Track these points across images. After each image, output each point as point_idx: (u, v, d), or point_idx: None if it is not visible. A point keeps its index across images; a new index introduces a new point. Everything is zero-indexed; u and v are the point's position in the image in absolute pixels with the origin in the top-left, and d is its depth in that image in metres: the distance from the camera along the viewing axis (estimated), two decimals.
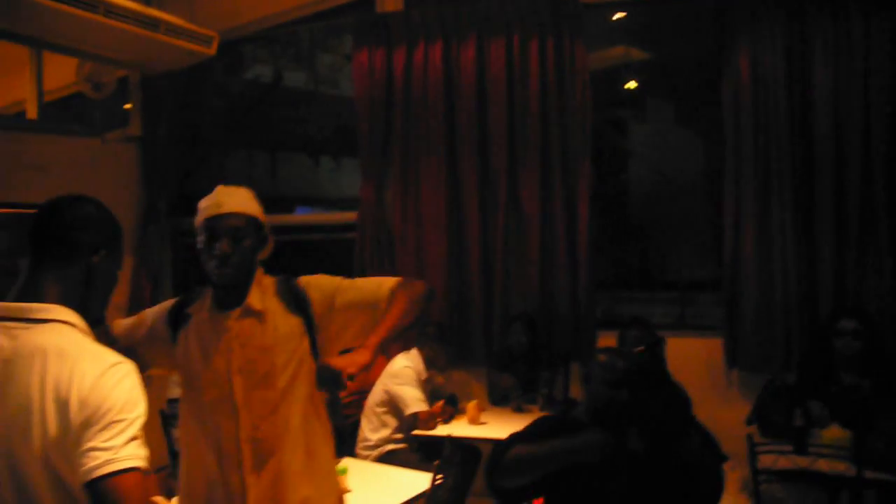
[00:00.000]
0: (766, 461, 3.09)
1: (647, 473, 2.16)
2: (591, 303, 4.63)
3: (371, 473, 3.33)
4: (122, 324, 2.09)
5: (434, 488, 3.04)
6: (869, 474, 2.88)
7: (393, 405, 4.08)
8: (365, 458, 4.02)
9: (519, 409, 4.24)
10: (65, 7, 3.86)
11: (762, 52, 4.25)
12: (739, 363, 4.37)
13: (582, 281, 4.60)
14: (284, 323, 1.96)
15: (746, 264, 4.32)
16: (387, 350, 1.97)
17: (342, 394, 4.01)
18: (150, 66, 4.80)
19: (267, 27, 5.48)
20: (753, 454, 3.12)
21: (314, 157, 6.39)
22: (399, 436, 4.09)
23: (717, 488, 2.23)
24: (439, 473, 3.14)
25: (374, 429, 4.09)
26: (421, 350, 4.24)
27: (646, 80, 6.43)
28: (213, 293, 1.99)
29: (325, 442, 2.04)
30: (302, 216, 5.86)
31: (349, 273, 4.88)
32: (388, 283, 2.02)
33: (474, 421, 4.04)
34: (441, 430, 3.91)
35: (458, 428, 3.95)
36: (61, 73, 4.86)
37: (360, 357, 1.84)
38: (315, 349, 2.00)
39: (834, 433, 3.16)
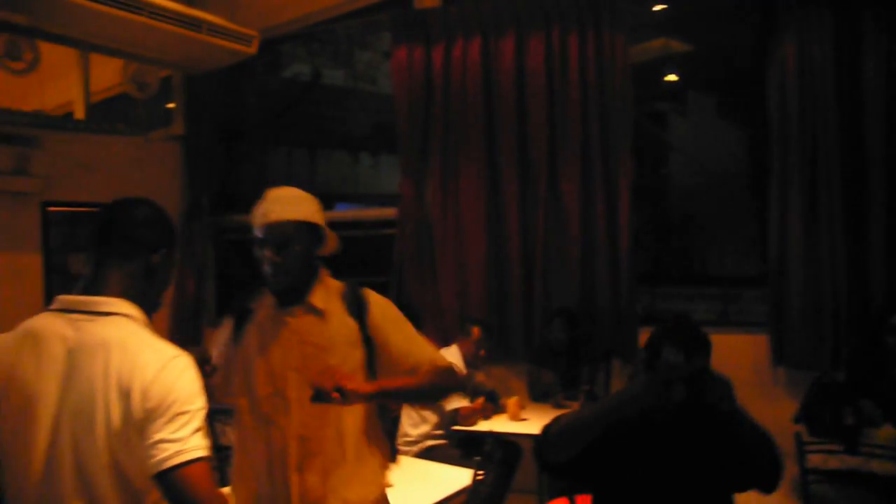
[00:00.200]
0: (815, 461, 3.03)
1: (689, 425, 2.15)
2: (632, 298, 4.57)
3: (412, 469, 3.34)
4: (215, 356, 2.12)
5: (475, 484, 3.04)
6: None
7: None
8: (405, 453, 4.03)
9: (560, 406, 4.21)
10: (111, 9, 3.95)
11: (809, 41, 4.14)
12: (786, 360, 4.27)
13: (623, 276, 4.55)
14: (343, 325, 1.97)
15: (793, 259, 4.22)
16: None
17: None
18: (192, 66, 4.88)
19: (306, 25, 5.52)
20: (802, 453, 3.06)
21: (353, 154, 6.43)
22: (439, 432, 4.09)
23: (773, 458, 2.19)
24: (480, 469, 3.13)
25: (414, 424, 4.10)
26: (461, 346, 4.24)
27: (686, 72, 6.34)
28: None
29: (373, 451, 2.03)
30: (341, 212, 5.90)
31: (388, 268, 4.93)
32: (438, 360, 2.05)
33: (515, 417, 4.03)
34: (482, 426, 3.91)
35: (499, 424, 3.93)
36: (107, 75, 4.97)
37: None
38: (371, 363, 1.99)
39: (887, 433, 3.07)
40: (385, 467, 2.10)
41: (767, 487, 2.13)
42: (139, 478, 1.38)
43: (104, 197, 5.07)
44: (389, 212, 5.04)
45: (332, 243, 2.06)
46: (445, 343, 4.27)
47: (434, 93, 4.88)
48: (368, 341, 1.98)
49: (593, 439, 2.18)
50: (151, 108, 5.46)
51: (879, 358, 3.46)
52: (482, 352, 4.21)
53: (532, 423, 3.96)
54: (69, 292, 1.49)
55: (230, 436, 2.12)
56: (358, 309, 1.98)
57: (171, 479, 1.33)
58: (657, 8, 5.36)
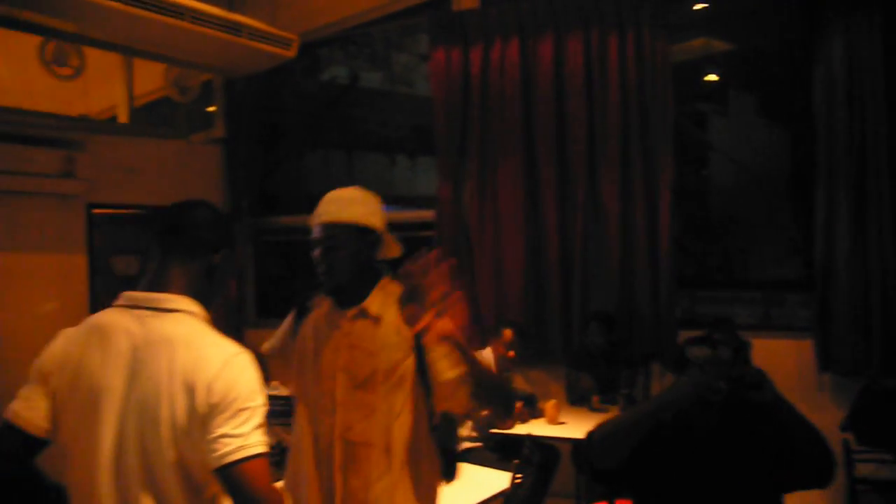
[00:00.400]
0: (863, 470, 2.95)
1: (734, 423, 2.12)
2: (672, 302, 4.51)
3: None
4: (267, 347, 2.18)
5: (514, 487, 3.02)
6: None
7: None
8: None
9: (598, 409, 4.17)
10: (154, 15, 4.01)
11: (858, 40, 4.04)
12: (832, 366, 4.17)
13: (663, 279, 4.49)
14: (395, 333, 1.96)
15: (840, 262, 4.12)
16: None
17: None
18: (233, 70, 4.94)
19: (343, 28, 5.55)
20: (850, 462, 2.98)
21: (390, 156, 6.45)
22: (475, 434, 4.08)
23: (823, 449, 2.14)
24: (519, 473, 3.11)
25: None
26: (493, 348, 4.22)
27: (727, 71, 6.23)
28: None
29: (423, 466, 2.00)
30: None
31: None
32: (461, 390, 1.98)
33: (553, 420, 4.00)
34: (520, 430, 3.89)
35: (537, 427, 3.91)
36: (149, 79, 5.05)
37: (450, 329, 1.84)
38: (424, 373, 1.97)
39: None
40: (436, 484, 2.06)
41: (821, 482, 2.07)
42: (201, 472, 1.41)
43: (147, 199, 5.18)
44: (426, 214, 5.04)
45: (393, 247, 2.06)
46: (482, 345, 4.26)
47: (472, 94, 4.87)
48: (421, 350, 1.95)
49: (638, 444, 2.16)
50: (192, 112, 5.55)
51: None
52: (510, 353, 4.18)
53: (570, 427, 3.93)
54: (133, 289, 1.53)
55: (283, 436, 2.14)
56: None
57: (231, 474, 1.36)
58: (698, 7, 5.27)
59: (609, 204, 4.56)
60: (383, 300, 1.99)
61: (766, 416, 2.16)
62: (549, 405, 4.04)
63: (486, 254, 4.82)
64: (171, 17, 4.08)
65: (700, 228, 6.14)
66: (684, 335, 4.31)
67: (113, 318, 1.49)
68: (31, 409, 1.48)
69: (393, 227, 2.08)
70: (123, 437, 1.41)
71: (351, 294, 1.99)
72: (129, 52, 4.73)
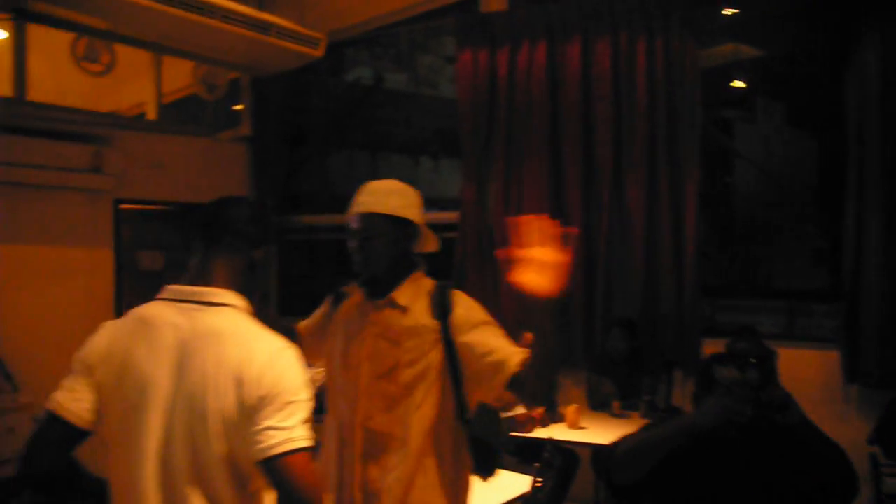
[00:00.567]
0: (892, 485, 2.90)
1: (757, 442, 2.11)
2: (696, 309, 4.46)
3: None
4: (304, 325, 2.21)
5: (534, 491, 3.00)
6: None
7: None
8: None
9: (619, 415, 4.15)
10: (184, 13, 4.06)
11: (893, 47, 3.98)
12: (859, 378, 4.10)
13: (687, 286, 4.44)
14: (422, 325, 1.96)
15: (869, 273, 4.05)
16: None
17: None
18: (260, 69, 4.98)
19: (371, 29, 5.57)
20: (878, 476, 2.93)
21: (414, 158, 6.46)
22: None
23: (846, 469, 2.13)
24: (539, 476, 3.10)
25: None
26: None
27: (755, 78, 6.18)
28: None
29: (448, 460, 1.98)
30: None
31: (448, 271, 4.92)
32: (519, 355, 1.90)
33: (573, 425, 3.98)
34: (539, 433, 3.87)
35: (557, 431, 3.89)
36: (178, 77, 5.10)
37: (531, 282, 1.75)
38: (454, 366, 1.95)
39: None
40: (464, 479, 2.04)
41: (845, 501, 2.06)
42: (247, 465, 1.42)
43: (173, 195, 5.23)
44: (449, 215, 5.03)
45: (430, 241, 2.08)
46: None
47: (498, 97, 4.85)
48: (450, 344, 1.94)
49: (660, 461, 2.15)
50: (219, 110, 5.59)
51: None
52: None
53: (590, 433, 3.91)
54: (177, 282, 1.54)
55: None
56: (441, 310, 1.95)
57: (275, 466, 1.36)
58: (727, 12, 5.22)
59: (634, 209, 4.53)
60: (414, 292, 2.00)
61: (792, 438, 2.14)
62: (570, 410, 4.02)
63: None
64: (202, 15, 4.12)
65: (724, 236, 6.08)
66: (708, 344, 4.32)
67: (159, 311, 1.50)
68: (75, 401, 1.48)
69: None
70: (170, 430, 1.42)
71: (384, 285, 2.00)
72: (159, 49, 4.78)
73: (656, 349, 4.50)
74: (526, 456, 3.93)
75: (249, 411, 1.39)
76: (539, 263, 1.74)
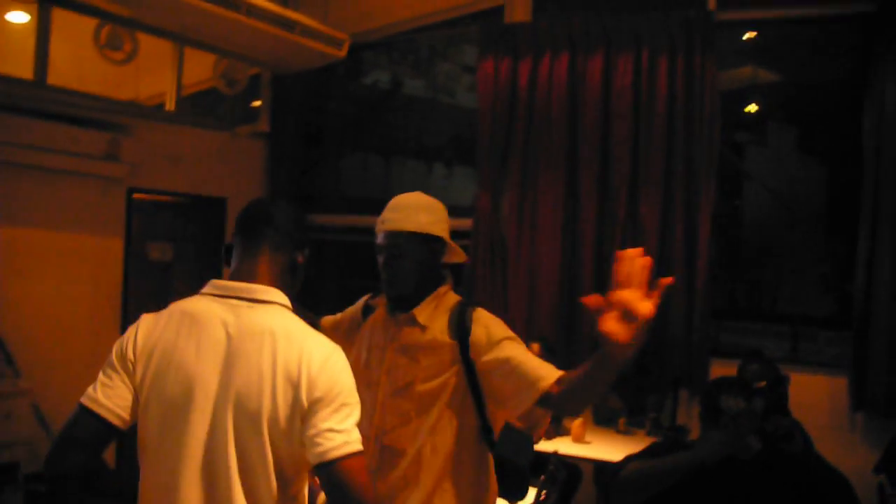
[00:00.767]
0: None
1: (763, 471, 2.11)
2: (705, 329, 4.45)
3: None
4: (328, 319, 2.21)
5: None
6: None
7: None
8: None
9: (624, 432, 4.13)
10: (209, 6, 4.05)
11: None
12: (866, 406, 4.10)
13: (698, 305, 4.44)
14: (440, 342, 1.93)
15: (880, 301, 4.06)
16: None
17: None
18: (282, 66, 4.98)
19: (392, 33, 5.58)
20: None
21: (427, 164, 6.45)
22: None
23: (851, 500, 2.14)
24: (544, 489, 3.08)
25: None
26: None
27: (770, 102, 6.18)
28: None
29: (465, 483, 1.94)
30: None
31: (458, 279, 4.91)
32: (557, 372, 1.83)
33: (578, 439, 3.97)
34: (545, 446, 3.85)
35: (562, 445, 3.88)
36: (199, 69, 5.09)
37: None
38: (474, 385, 1.92)
39: None
40: (484, 501, 1.99)
41: None
42: (291, 466, 1.39)
43: (187, 188, 5.22)
44: (461, 223, 5.02)
45: (457, 253, 2.05)
46: None
47: (517, 107, 4.86)
48: (469, 364, 1.90)
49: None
50: (238, 105, 5.58)
51: None
52: None
53: (594, 448, 3.90)
54: (220, 278, 1.52)
55: None
56: (460, 330, 1.91)
57: (334, 470, 1.34)
58: (747, 36, 5.24)
59: (648, 226, 4.53)
60: (433, 309, 1.97)
61: (796, 467, 2.15)
62: (576, 424, 4.01)
63: (521, 266, 4.80)
64: (227, 8, 4.11)
65: (730, 258, 6.07)
66: (714, 365, 4.31)
67: (205, 306, 1.47)
68: (112, 397, 1.43)
69: None
70: (216, 428, 1.38)
71: (410, 301, 1.98)
72: (182, 40, 4.77)
73: (664, 367, 4.49)
74: (531, 468, 3.92)
75: (304, 413, 1.36)
76: (629, 311, 1.50)
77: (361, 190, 6.31)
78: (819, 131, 6.33)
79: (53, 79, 4.34)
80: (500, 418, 1.99)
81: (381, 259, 1.96)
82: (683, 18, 4.49)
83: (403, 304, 1.98)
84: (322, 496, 1.67)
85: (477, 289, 4.82)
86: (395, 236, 1.93)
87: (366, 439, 1.90)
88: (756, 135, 7.20)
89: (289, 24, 4.37)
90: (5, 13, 4.57)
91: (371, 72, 6.63)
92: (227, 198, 5.16)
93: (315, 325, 2.08)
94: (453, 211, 2.15)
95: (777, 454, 2.22)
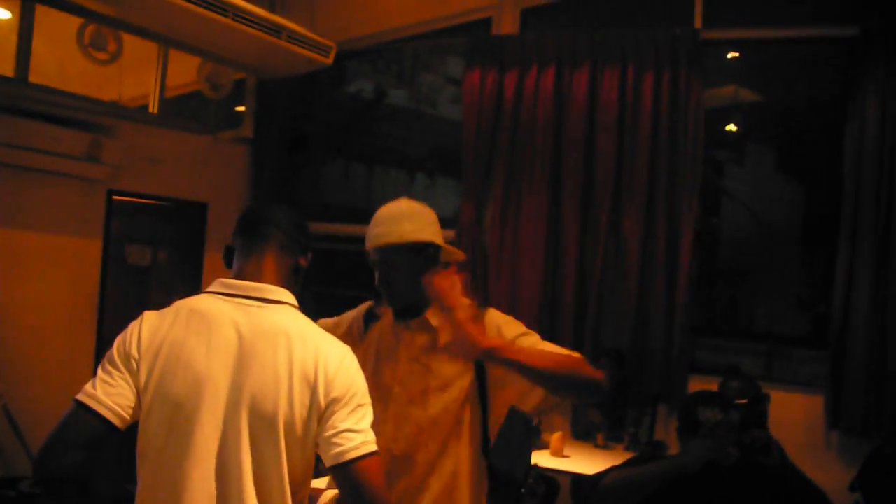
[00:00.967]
0: None
1: (740, 483, 2.13)
2: (685, 345, 4.48)
3: None
4: (324, 322, 2.13)
5: None
6: None
7: None
8: None
9: (603, 446, 4.14)
10: (196, 8, 4.02)
11: (893, 97, 4.07)
12: (842, 425, 4.14)
13: (678, 321, 4.46)
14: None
15: (857, 320, 4.10)
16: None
17: None
18: (268, 72, 4.95)
19: (380, 42, 5.57)
20: None
21: (409, 174, 6.45)
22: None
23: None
24: (523, 503, 3.06)
25: None
26: None
27: (751, 122, 6.26)
28: None
29: (464, 494, 1.90)
30: None
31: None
32: (575, 354, 1.82)
33: (557, 453, 3.96)
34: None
35: (541, 459, 3.86)
36: (183, 72, 5.05)
37: (485, 340, 1.70)
38: (483, 389, 1.90)
39: None
40: None
41: None
42: (300, 472, 1.38)
43: (168, 191, 5.16)
44: (444, 234, 5.00)
45: (455, 252, 2.03)
46: None
47: (503, 118, 4.87)
48: (481, 368, 1.88)
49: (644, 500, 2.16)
50: (221, 109, 5.54)
51: None
52: None
53: (573, 462, 3.89)
54: (199, 283, 1.49)
55: None
56: None
57: (353, 470, 1.33)
58: (731, 56, 5.32)
59: (630, 240, 4.55)
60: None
61: (773, 479, 2.17)
62: (555, 437, 4.00)
63: (502, 279, 4.80)
64: (215, 12, 4.08)
65: (708, 275, 6.13)
66: (694, 381, 4.32)
67: (214, 305, 1.43)
68: (112, 396, 1.36)
69: None
70: (228, 432, 1.34)
71: (416, 307, 1.94)
72: (167, 42, 4.73)
73: (643, 382, 4.50)
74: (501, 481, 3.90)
75: (321, 414, 1.35)
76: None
77: (343, 198, 6.29)
78: (798, 152, 6.43)
79: (35, 77, 4.28)
80: (498, 423, 1.96)
81: (376, 275, 1.93)
82: (670, 35, 4.55)
83: (411, 312, 1.95)
84: (323, 500, 1.64)
85: None
86: (384, 251, 1.90)
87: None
88: (735, 153, 7.29)
89: (276, 30, 4.35)
90: None
91: (355, 80, 6.62)
92: (209, 203, 5.11)
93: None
94: None
95: (754, 466, 2.24)
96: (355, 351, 2.02)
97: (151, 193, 4.85)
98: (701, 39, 4.55)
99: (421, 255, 1.91)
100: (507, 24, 5.11)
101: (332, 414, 1.35)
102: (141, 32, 4.57)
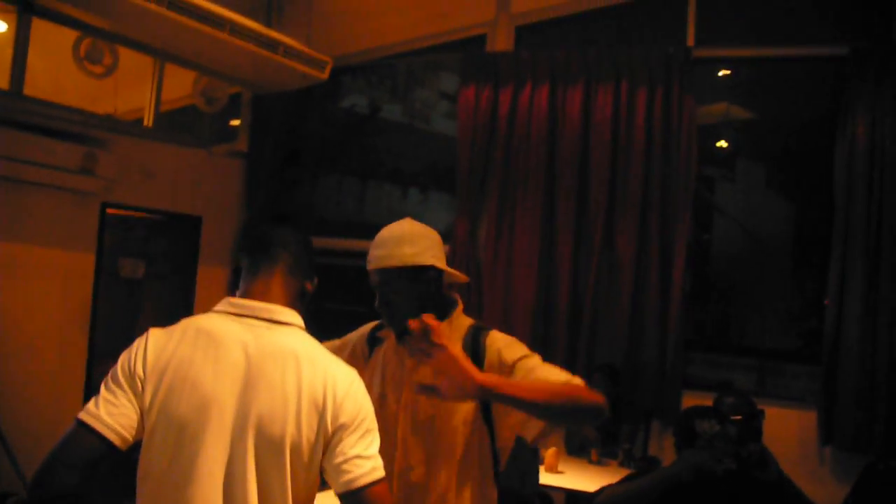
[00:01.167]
0: None
1: (739, 497, 2.13)
2: (678, 360, 4.49)
3: None
4: (328, 345, 2.08)
5: None
6: None
7: None
8: None
9: (597, 462, 4.12)
10: (193, 23, 4.03)
11: (882, 116, 4.13)
12: (834, 440, 4.15)
13: (671, 337, 4.48)
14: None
15: (849, 336, 4.13)
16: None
17: None
18: (264, 86, 4.96)
19: (375, 58, 5.60)
20: None
21: (403, 189, 6.46)
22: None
23: None
24: None
25: None
26: None
27: (742, 139, 6.32)
28: None
29: None
30: None
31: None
32: (576, 379, 1.76)
33: (551, 469, 3.94)
34: None
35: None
36: (178, 86, 5.05)
37: (477, 377, 1.60)
38: (487, 414, 1.87)
39: None
40: None
41: None
42: (303, 494, 1.36)
43: (162, 204, 5.14)
44: None
45: (457, 274, 1.99)
46: None
47: (497, 135, 4.90)
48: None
49: None
50: (216, 123, 5.54)
51: None
52: None
53: (567, 478, 3.87)
54: (233, 295, 1.48)
55: None
56: (474, 357, 1.81)
57: (363, 496, 1.31)
58: (722, 73, 5.37)
59: (624, 256, 4.58)
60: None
61: (769, 493, 2.17)
62: (549, 453, 3.98)
63: (496, 294, 4.80)
64: (212, 26, 4.10)
65: (699, 291, 6.16)
66: (687, 396, 4.33)
67: (222, 324, 1.41)
68: (115, 416, 1.32)
69: None
70: (235, 454, 1.31)
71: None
72: (163, 56, 4.74)
73: (636, 398, 4.51)
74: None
75: (328, 439, 1.33)
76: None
77: (336, 213, 6.29)
78: (788, 169, 6.48)
79: (30, 90, 4.28)
80: (506, 447, 1.92)
81: (377, 299, 1.89)
82: (663, 53, 4.60)
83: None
84: None
85: None
86: (384, 274, 1.86)
87: (390, 473, 1.77)
88: (726, 170, 7.34)
89: (272, 45, 4.37)
90: None
91: (349, 95, 6.64)
92: (202, 216, 5.10)
93: None
94: None
95: (751, 481, 2.24)
96: (360, 373, 2.01)
97: (145, 207, 4.84)
98: (693, 57, 4.61)
99: (422, 278, 1.87)
100: (501, 41, 5.15)
101: (341, 440, 1.33)
102: (137, 46, 4.59)
